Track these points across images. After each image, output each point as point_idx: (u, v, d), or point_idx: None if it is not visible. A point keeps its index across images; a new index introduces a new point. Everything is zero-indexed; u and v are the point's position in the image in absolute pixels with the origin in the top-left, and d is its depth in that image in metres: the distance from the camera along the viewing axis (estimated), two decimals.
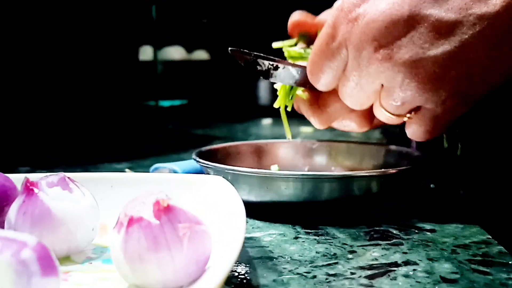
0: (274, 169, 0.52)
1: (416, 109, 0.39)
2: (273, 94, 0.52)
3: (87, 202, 0.31)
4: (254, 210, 0.41)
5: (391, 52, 0.37)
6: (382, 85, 0.39)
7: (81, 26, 0.81)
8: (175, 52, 1.51)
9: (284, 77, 0.45)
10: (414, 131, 0.41)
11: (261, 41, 0.46)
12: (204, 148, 0.50)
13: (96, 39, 0.83)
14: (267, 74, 0.45)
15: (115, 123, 0.88)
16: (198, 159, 0.44)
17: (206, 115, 1.30)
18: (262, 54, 0.45)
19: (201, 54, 1.56)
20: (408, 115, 0.40)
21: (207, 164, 0.43)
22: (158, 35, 1.22)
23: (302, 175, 0.39)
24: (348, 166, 0.53)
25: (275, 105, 0.48)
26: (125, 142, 0.86)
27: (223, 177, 0.41)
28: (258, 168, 0.52)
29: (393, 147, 0.51)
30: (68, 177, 0.32)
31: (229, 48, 0.44)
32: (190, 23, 1.52)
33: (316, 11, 0.54)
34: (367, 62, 0.38)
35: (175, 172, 0.49)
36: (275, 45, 0.52)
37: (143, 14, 0.99)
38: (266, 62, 0.45)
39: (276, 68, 0.45)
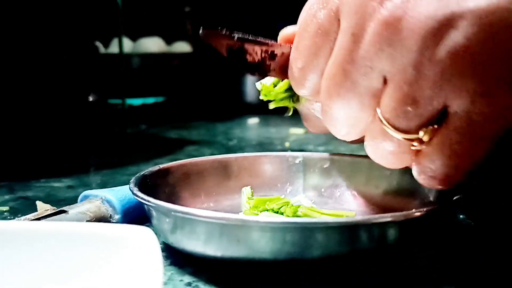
0: (245, 192, 0.38)
1: (438, 121, 0.24)
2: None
3: None
4: (212, 271, 0.27)
5: (406, 4, 0.23)
6: (385, 79, 0.24)
7: (31, 12, 0.67)
8: (152, 44, 1.38)
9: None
10: (431, 164, 0.25)
11: (251, 32, 0.34)
12: (150, 170, 0.36)
13: (47, 29, 0.69)
14: (261, 68, 0.31)
15: (66, 126, 0.73)
16: (136, 191, 0.31)
17: (184, 113, 1.16)
18: (249, 38, 0.30)
19: (182, 46, 1.44)
20: (421, 133, 0.24)
21: (147, 201, 0.29)
22: (129, 23, 1.07)
23: (283, 223, 0.26)
24: (344, 188, 0.39)
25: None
26: (75, 150, 0.71)
27: (168, 221, 0.28)
28: (226, 192, 0.39)
29: None
30: None
31: (201, 29, 0.30)
32: (170, 12, 1.40)
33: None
34: (366, 28, 0.24)
35: (108, 202, 0.36)
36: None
37: None
38: (258, 49, 0.30)
39: (273, 56, 0.31)
